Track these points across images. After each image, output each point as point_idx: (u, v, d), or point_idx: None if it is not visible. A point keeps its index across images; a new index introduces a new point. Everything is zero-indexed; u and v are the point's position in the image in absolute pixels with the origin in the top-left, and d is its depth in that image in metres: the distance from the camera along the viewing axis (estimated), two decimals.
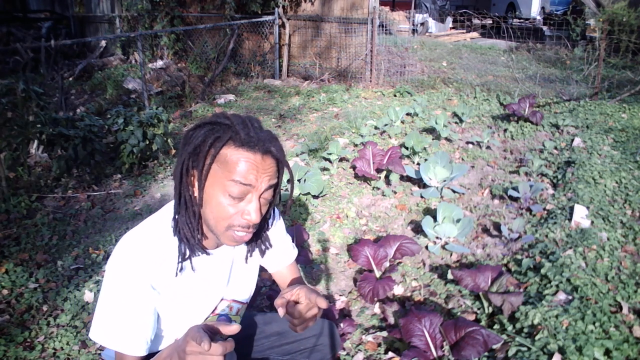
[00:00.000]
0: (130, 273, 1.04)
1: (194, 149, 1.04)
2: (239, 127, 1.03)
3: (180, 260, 1.10)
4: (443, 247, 2.63)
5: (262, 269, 1.40)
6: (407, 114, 4.94)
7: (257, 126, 1.07)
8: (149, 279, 1.06)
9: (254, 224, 1.07)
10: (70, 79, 7.30)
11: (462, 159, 3.91)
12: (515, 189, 3.13)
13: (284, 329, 1.41)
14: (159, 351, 1.17)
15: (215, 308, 1.25)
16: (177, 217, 1.10)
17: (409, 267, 2.50)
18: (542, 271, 2.17)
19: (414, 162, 3.78)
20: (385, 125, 4.53)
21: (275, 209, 1.37)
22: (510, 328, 1.88)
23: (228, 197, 1.03)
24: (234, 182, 1.01)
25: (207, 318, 1.24)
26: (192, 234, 1.09)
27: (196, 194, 1.06)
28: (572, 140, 3.99)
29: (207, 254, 1.15)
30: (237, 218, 1.05)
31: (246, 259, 1.27)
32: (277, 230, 1.37)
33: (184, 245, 1.10)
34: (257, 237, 1.26)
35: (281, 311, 1.06)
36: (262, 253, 1.29)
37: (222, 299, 1.25)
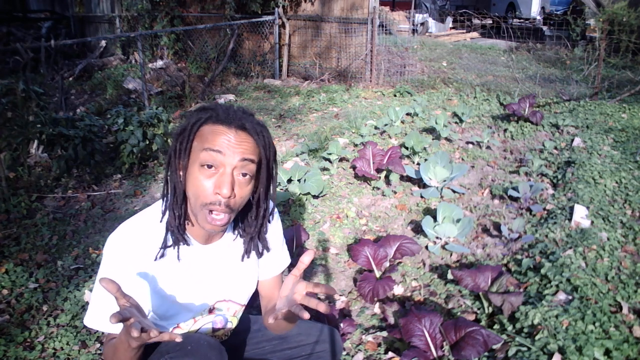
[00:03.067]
0: (115, 257, 1.10)
1: (181, 132, 1.10)
2: (220, 109, 1.11)
3: (162, 246, 1.13)
4: (443, 247, 2.63)
5: None
6: (407, 114, 4.94)
7: (239, 109, 1.13)
8: (132, 261, 1.10)
9: (229, 204, 1.07)
10: (70, 79, 7.31)
11: (462, 159, 3.91)
12: (515, 189, 3.13)
13: (287, 333, 1.41)
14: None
15: (214, 308, 1.25)
16: (164, 204, 1.14)
17: (409, 267, 2.50)
18: (542, 271, 2.17)
19: (414, 162, 3.78)
20: (385, 125, 4.53)
21: (276, 212, 1.37)
22: (510, 328, 1.88)
23: (203, 169, 1.06)
24: (206, 150, 1.06)
25: (203, 316, 1.24)
26: (176, 221, 1.12)
27: (182, 178, 1.11)
28: (572, 140, 3.99)
29: (188, 244, 1.16)
30: (210, 195, 1.07)
31: (242, 257, 1.26)
32: (275, 234, 1.35)
33: (169, 233, 1.13)
34: (254, 236, 1.24)
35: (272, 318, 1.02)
36: (259, 255, 1.28)
37: (222, 300, 1.25)
